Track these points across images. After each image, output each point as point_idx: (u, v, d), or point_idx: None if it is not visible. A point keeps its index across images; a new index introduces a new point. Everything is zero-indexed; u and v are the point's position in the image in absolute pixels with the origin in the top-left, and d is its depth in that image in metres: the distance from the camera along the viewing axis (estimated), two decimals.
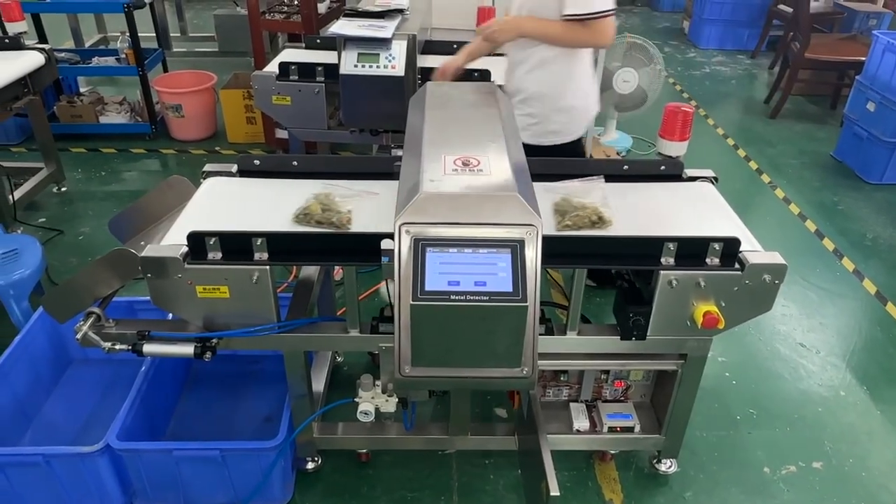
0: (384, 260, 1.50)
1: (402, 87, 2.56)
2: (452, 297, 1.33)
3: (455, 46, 3.15)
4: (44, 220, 3.47)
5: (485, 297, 1.33)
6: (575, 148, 2.43)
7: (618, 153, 4.28)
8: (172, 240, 1.67)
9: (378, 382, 1.87)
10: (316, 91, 2.83)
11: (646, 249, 1.62)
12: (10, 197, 3.21)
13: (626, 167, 2.01)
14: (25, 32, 3.30)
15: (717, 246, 1.60)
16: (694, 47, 6.98)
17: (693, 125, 2.25)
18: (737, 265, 1.61)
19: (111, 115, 4.35)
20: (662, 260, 1.62)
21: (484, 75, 2.81)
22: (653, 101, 4.19)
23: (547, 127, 2.39)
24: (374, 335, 1.75)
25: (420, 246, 1.36)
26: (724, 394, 2.47)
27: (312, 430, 2.00)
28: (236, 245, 1.59)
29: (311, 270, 2.01)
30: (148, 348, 1.70)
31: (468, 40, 3.23)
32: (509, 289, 1.33)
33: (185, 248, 1.59)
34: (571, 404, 2.05)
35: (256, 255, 1.60)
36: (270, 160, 2.00)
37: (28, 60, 3.10)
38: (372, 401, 1.86)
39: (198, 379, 2.41)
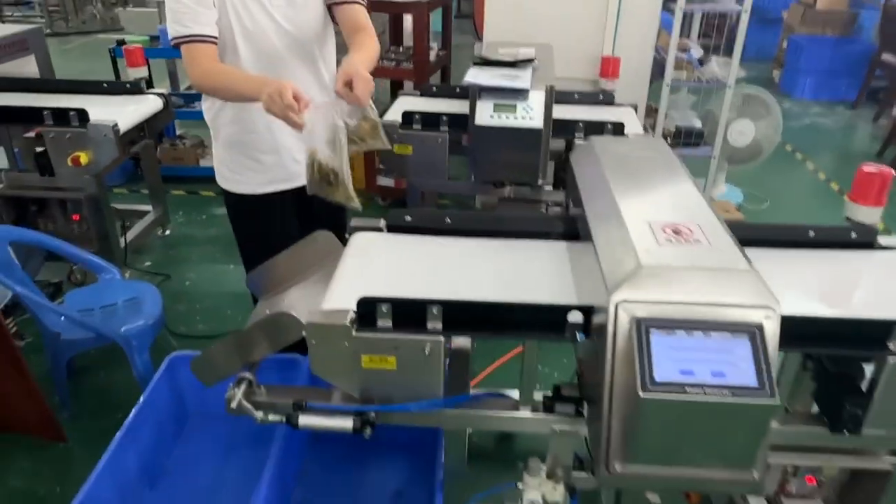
0: (580, 337, 1.36)
1: (540, 139, 2.43)
2: (688, 389, 1.15)
3: (576, 97, 3.04)
4: (149, 263, 3.45)
5: (726, 391, 1.14)
6: None
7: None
8: (334, 303, 1.54)
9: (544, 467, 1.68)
10: (439, 141, 2.72)
11: (871, 332, 1.41)
12: (122, 239, 3.20)
13: (812, 233, 1.81)
14: (145, 78, 3.32)
15: None
16: (787, 98, 6.73)
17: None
18: None
19: (211, 159, 4.37)
20: (890, 345, 1.41)
21: (617, 128, 2.66)
22: (769, 153, 3.98)
23: None
24: (549, 415, 1.58)
25: (643, 327, 1.19)
26: None
27: None
28: (409, 313, 1.45)
29: (465, 339, 1.86)
30: (304, 420, 1.56)
31: (591, 90, 3.13)
32: (754, 382, 1.15)
33: (353, 314, 1.47)
34: (751, 499, 1.82)
35: (430, 325, 1.46)
36: (422, 216, 1.87)
37: (149, 105, 3.11)
38: (539, 488, 1.67)
39: (319, 444, 2.27)
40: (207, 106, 2.13)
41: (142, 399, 2.04)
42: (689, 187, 1.57)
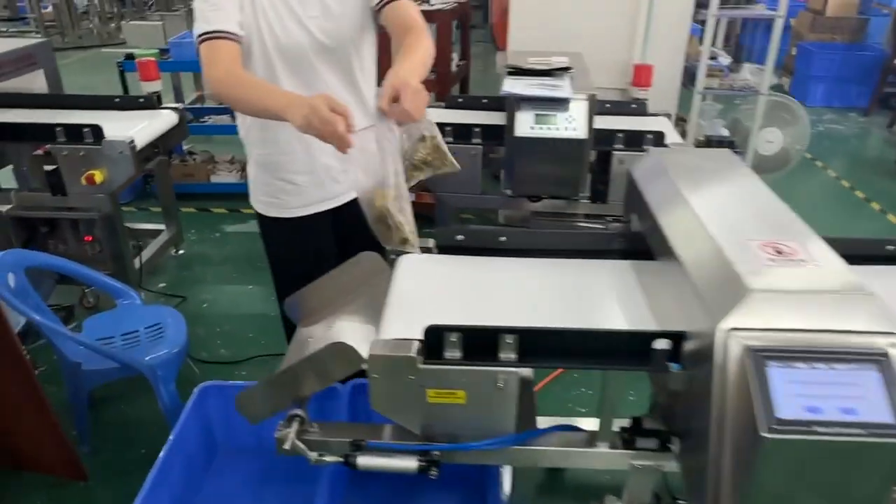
0: (674, 367, 1.24)
1: (583, 150, 2.33)
2: (817, 428, 1.03)
3: (608, 107, 2.94)
4: (164, 285, 3.31)
5: (860, 430, 1.02)
6: None
7: None
8: (390, 333, 1.42)
9: None
10: (473, 154, 2.62)
11: None
12: (137, 260, 3.06)
13: (890, 247, 1.71)
14: (159, 92, 3.19)
15: None
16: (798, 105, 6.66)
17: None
18: None
19: (222, 175, 4.26)
20: None
21: (658, 137, 2.56)
22: (797, 161, 3.89)
23: None
24: (628, 451, 1.46)
25: (759, 359, 1.07)
26: None
27: None
28: (480, 342, 1.33)
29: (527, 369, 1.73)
30: (363, 461, 1.43)
31: (621, 100, 3.03)
32: (890, 419, 1.03)
33: (418, 344, 1.34)
34: None
35: (502, 355, 1.33)
36: (474, 235, 1.76)
37: (164, 120, 2.99)
38: None
39: (361, 476, 2.12)
40: (241, 121, 1.99)
41: (172, 436, 1.90)
42: (777, 202, 1.47)
